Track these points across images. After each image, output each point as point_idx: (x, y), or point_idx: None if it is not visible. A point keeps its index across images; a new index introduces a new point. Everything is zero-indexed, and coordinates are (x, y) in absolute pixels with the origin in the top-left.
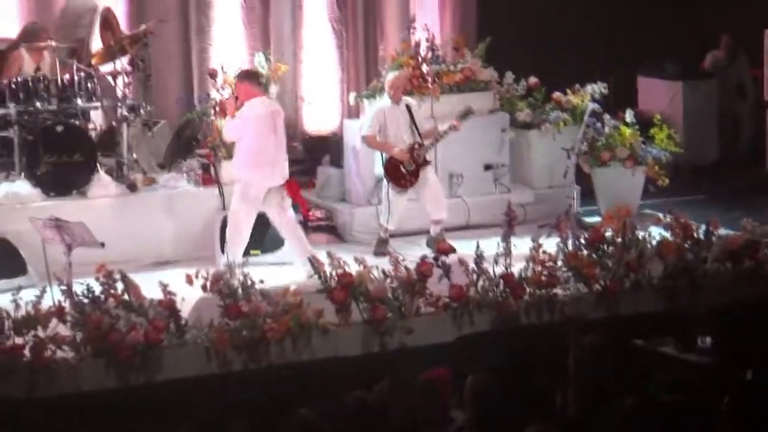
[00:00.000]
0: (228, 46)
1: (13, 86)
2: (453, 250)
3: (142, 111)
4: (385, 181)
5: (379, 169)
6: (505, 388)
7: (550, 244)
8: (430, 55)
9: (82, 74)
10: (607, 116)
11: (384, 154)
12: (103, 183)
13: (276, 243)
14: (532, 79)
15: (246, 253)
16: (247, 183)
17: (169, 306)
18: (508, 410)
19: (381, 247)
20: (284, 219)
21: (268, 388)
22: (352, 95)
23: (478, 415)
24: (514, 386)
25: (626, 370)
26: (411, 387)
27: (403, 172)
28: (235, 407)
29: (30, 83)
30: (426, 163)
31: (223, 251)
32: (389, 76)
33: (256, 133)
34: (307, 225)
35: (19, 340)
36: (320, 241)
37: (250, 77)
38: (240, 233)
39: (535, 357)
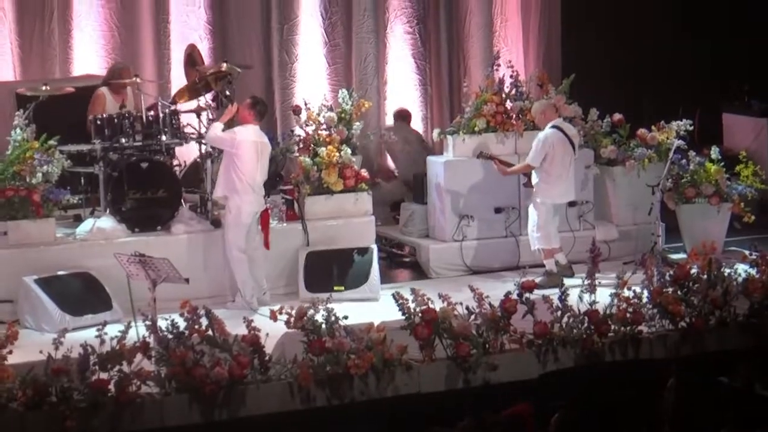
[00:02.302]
0: (311, 82)
1: (99, 123)
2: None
3: None
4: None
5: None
6: (589, 425)
7: (635, 281)
8: (513, 91)
9: (167, 111)
10: (692, 153)
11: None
12: (187, 219)
13: (359, 279)
14: (617, 116)
15: (329, 289)
16: (239, 208)
17: (253, 341)
18: None
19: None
20: (258, 245)
21: (351, 424)
22: (436, 131)
23: None
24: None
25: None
26: (494, 424)
27: None
28: None
29: (115, 120)
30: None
31: (307, 288)
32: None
33: (247, 158)
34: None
35: (104, 375)
36: (404, 277)
37: (258, 107)
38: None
39: (619, 394)
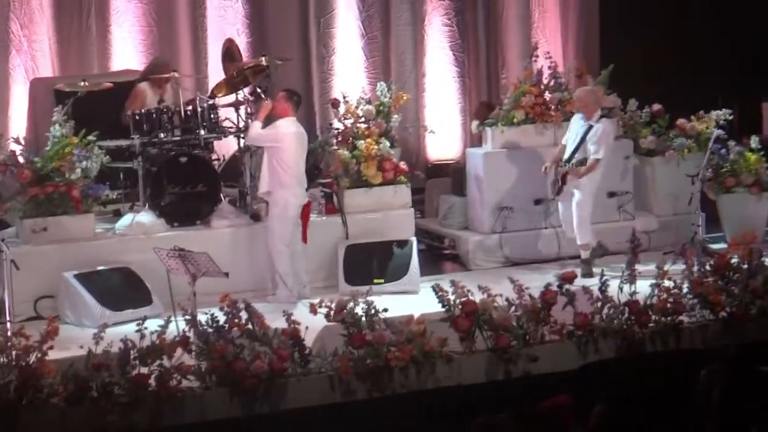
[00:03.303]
0: (349, 75)
1: (137, 118)
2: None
3: None
4: None
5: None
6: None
7: (675, 272)
8: (552, 82)
9: (205, 105)
10: (731, 142)
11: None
12: (226, 213)
13: (399, 272)
14: (656, 106)
15: (369, 282)
16: (286, 201)
17: (293, 335)
18: None
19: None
20: (298, 239)
21: (391, 416)
22: (474, 123)
23: None
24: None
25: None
26: (534, 415)
27: (555, 178)
28: None
29: (154, 115)
30: (561, 181)
31: (346, 281)
32: (576, 93)
33: (291, 150)
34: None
35: (144, 370)
36: (444, 270)
37: (294, 98)
38: (289, 259)
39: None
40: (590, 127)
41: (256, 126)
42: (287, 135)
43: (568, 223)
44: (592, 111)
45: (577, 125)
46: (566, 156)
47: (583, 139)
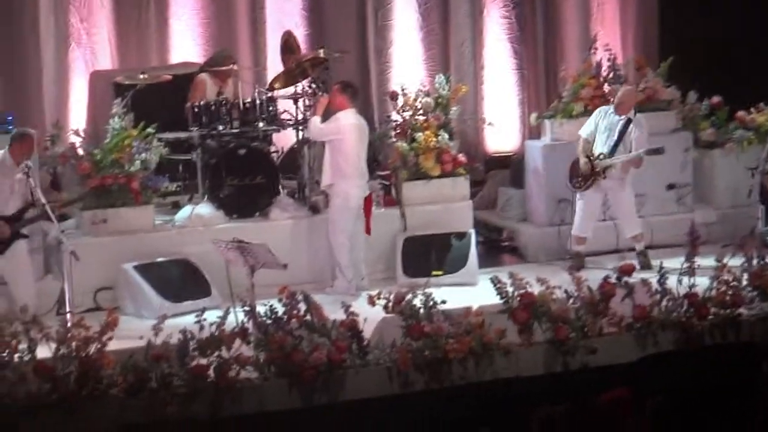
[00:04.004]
0: (407, 67)
1: (196, 110)
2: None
3: None
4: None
5: None
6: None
7: (735, 264)
8: (611, 74)
9: (264, 98)
10: None
11: None
12: (285, 205)
13: (457, 264)
14: (716, 98)
15: (428, 274)
16: (347, 194)
17: (351, 326)
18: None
19: (577, 263)
20: (359, 230)
21: (450, 408)
22: (533, 116)
23: None
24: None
25: None
26: (593, 408)
27: (577, 173)
28: (418, 427)
29: (213, 107)
30: (597, 175)
31: (404, 272)
32: (621, 90)
33: (352, 142)
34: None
35: (203, 361)
36: (502, 262)
37: (349, 90)
38: (350, 251)
39: (719, 378)
40: (629, 121)
41: (316, 121)
42: (348, 127)
43: (589, 217)
44: (629, 109)
45: (608, 120)
46: (602, 149)
47: (621, 133)
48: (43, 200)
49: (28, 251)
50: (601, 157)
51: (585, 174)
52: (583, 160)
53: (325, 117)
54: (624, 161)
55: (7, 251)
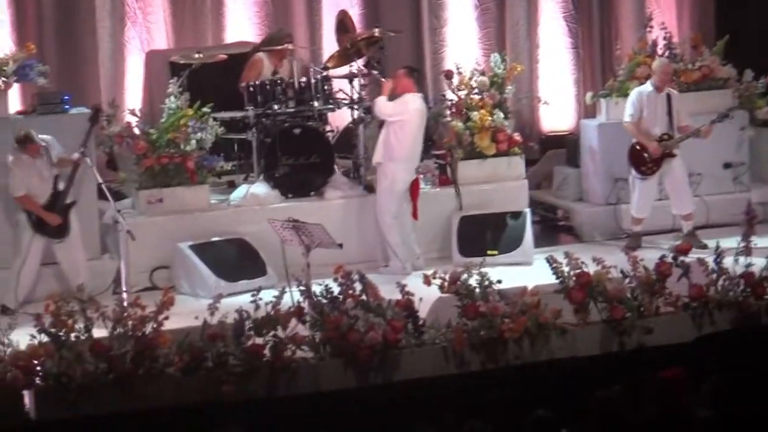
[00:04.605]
0: (462, 46)
1: (252, 90)
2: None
3: None
4: (629, 167)
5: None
6: (745, 389)
7: None
8: (667, 53)
9: (319, 77)
10: None
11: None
12: (339, 184)
13: (513, 243)
14: None
15: (483, 254)
16: (394, 178)
17: (407, 306)
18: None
19: (633, 242)
20: (406, 212)
21: (506, 388)
22: (589, 95)
23: (719, 416)
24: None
25: None
26: (648, 387)
27: (645, 159)
28: (472, 408)
29: (268, 86)
30: (671, 155)
31: (460, 252)
32: (656, 63)
33: (413, 125)
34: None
35: (259, 341)
36: (557, 241)
37: (413, 74)
38: (398, 231)
39: None
40: (669, 96)
41: (382, 100)
42: (413, 110)
43: (650, 198)
44: (668, 83)
45: (649, 100)
46: (663, 129)
47: (669, 109)
48: (100, 179)
49: (80, 228)
50: (665, 138)
51: (656, 158)
52: (653, 145)
53: (390, 99)
54: (702, 129)
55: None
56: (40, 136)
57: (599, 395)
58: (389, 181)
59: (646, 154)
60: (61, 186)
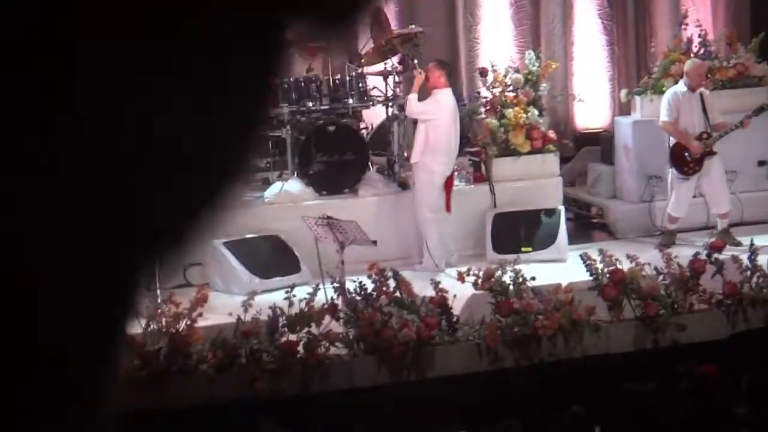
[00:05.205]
0: (496, 44)
1: (286, 86)
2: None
3: None
4: (670, 167)
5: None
6: None
7: None
8: (702, 50)
9: (354, 74)
10: None
11: (671, 139)
12: (374, 181)
13: (546, 240)
14: None
15: (517, 251)
16: (432, 171)
17: (440, 303)
18: None
19: (667, 240)
20: (442, 207)
21: (539, 384)
22: (623, 92)
23: (756, 413)
24: None
25: None
26: (681, 384)
27: (687, 159)
28: (508, 404)
29: (302, 83)
30: (711, 153)
31: (494, 249)
32: (689, 63)
33: (447, 121)
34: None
35: (293, 337)
36: (591, 239)
37: (446, 68)
38: (436, 227)
39: None
40: (701, 95)
41: (413, 99)
42: (446, 107)
43: (688, 197)
44: (701, 81)
45: (684, 99)
46: (701, 128)
47: (704, 107)
48: None
49: None
50: (705, 136)
51: (697, 157)
52: (695, 144)
53: (420, 94)
54: (742, 121)
55: None
56: None
57: (628, 387)
58: (428, 175)
59: (687, 154)
60: None
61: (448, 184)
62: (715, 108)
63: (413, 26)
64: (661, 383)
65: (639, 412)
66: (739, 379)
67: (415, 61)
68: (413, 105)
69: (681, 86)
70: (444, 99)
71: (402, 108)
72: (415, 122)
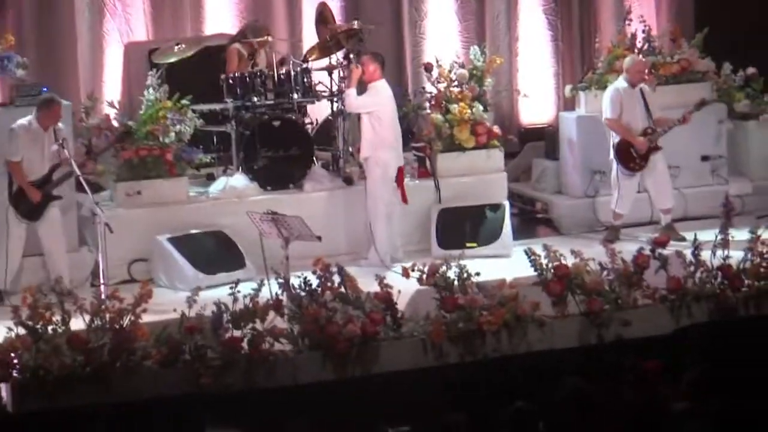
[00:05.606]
0: (442, 39)
1: (231, 82)
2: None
3: None
4: (615, 164)
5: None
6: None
7: None
8: (646, 46)
9: (299, 69)
10: None
11: (614, 136)
12: (319, 177)
13: (491, 236)
14: (751, 70)
15: (462, 246)
16: (386, 165)
17: (385, 299)
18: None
19: (611, 235)
20: (395, 201)
21: (484, 380)
22: (568, 87)
23: (697, 408)
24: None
25: None
26: (625, 377)
27: (633, 155)
28: (453, 400)
29: (247, 79)
30: (656, 149)
31: (439, 244)
32: (628, 60)
33: (389, 111)
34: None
35: (237, 333)
36: (536, 234)
37: (380, 60)
38: (386, 222)
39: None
40: (641, 91)
41: (352, 94)
42: (386, 97)
43: (632, 194)
44: (643, 77)
45: (627, 95)
46: (644, 123)
47: (645, 102)
48: (78, 172)
49: (62, 219)
50: (649, 132)
51: (643, 153)
52: (640, 140)
53: (358, 88)
54: (684, 116)
55: (42, 218)
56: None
57: (572, 382)
58: (382, 169)
59: (633, 150)
60: (55, 177)
61: (400, 177)
62: (654, 104)
63: (357, 21)
64: (605, 378)
65: (583, 407)
66: (682, 374)
67: (352, 56)
68: (353, 99)
69: (621, 82)
70: (382, 89)
71: None
72: (359, 117)
